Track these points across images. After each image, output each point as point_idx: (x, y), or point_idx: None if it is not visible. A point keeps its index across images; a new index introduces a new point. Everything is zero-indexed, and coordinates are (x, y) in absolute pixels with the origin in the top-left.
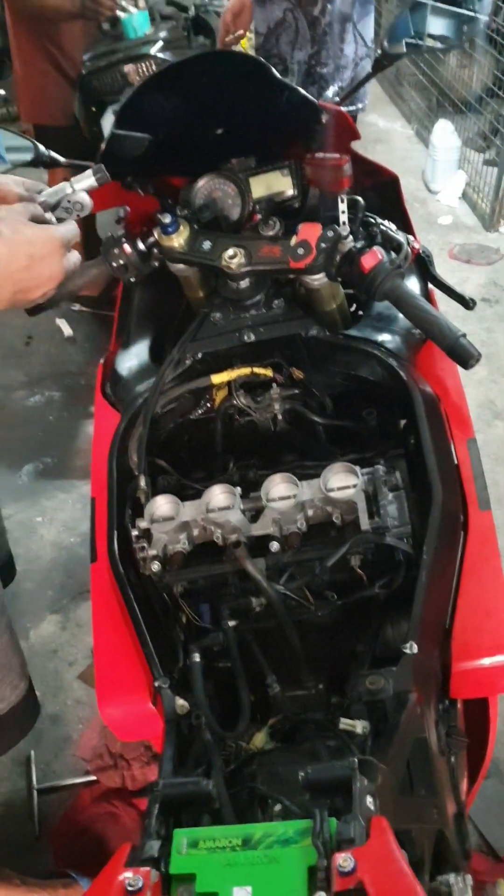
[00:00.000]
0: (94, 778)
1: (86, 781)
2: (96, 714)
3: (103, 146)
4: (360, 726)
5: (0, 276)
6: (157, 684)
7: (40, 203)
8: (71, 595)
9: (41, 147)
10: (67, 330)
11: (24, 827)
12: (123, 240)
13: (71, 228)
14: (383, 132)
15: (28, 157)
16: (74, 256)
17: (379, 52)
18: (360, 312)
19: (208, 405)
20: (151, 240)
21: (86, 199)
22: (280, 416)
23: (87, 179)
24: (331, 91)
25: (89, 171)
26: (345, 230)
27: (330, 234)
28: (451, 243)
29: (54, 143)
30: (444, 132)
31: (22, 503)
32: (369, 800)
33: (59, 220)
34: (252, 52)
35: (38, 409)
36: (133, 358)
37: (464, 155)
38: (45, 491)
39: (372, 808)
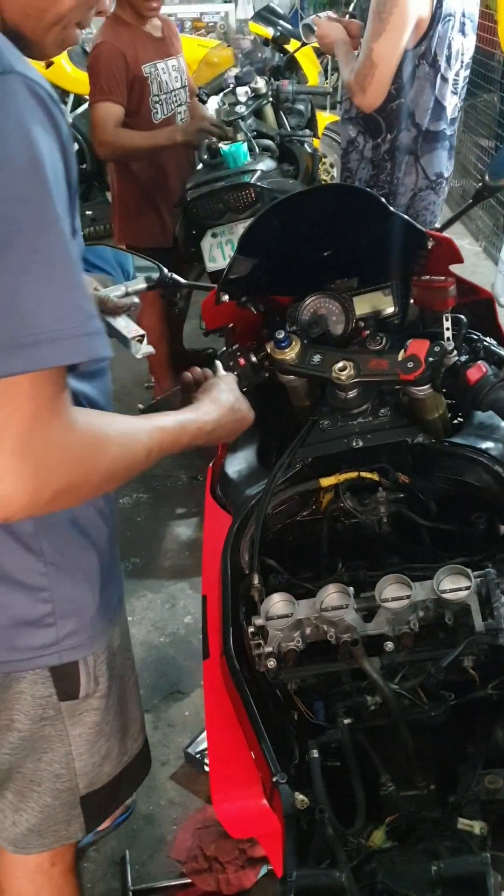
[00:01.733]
0: (189, 881)
1: (181, 884)
2: (190, 815)
3: (226, 271)
4: (477, 826)
5: (204, 439)
6: (275, 780)
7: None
8: (162, 695)
9: (165, 270)
10: None
11: None
12: (238, 353)
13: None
14: None
15: (145, 281)
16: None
17: (480, 184)
18: (455, 421)
19: (315, 507)
20: (263, 353)
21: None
22: (385, 519)
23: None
24: None
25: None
26: (450, 345)
27: (437, 349)
28: None
29: None
30: None
31: None
32: None
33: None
34: (332, 169)
35: (126, 510)
36: (242, 462)
37: None
38: (134, 591)
39: None
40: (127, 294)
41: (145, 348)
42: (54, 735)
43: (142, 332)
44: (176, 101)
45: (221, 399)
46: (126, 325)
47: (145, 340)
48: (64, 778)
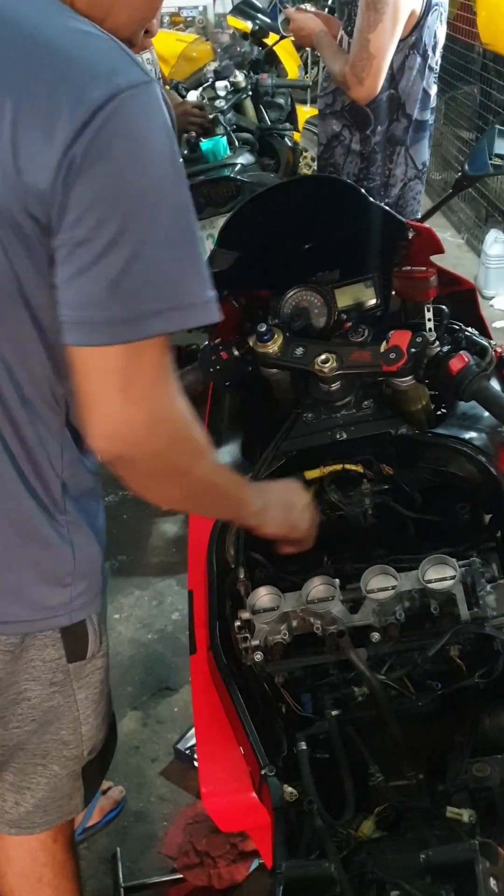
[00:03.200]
0: (180, 876)
1: (172, 879)
2: (180, 811)
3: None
4: (466, 814)
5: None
6: (263, 772)
7: None
8: (151, 692)
9: None
10: None
11: None
12: (221, 347)
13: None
14: None
15: None
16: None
17: (459, 174)
18: (439, 412)
19: None
20: (245, 347)
21: None
22: (370, 511)
23: None
24: None
25: None
26: (432, 336)
27: (419, 339)
28: None
29: None
30: (496, 241)
31: None
32: (493, 882)
33: None
34: (314, 163)
35: (112, 507)
36: (226, 456)
37: None
38: (121, 588)
39: (496, 890)
40: None
41: None
42: (63, 703)
43: None
44: None
45: (283, 494)
46: None
47: None
48: (72, 745)
